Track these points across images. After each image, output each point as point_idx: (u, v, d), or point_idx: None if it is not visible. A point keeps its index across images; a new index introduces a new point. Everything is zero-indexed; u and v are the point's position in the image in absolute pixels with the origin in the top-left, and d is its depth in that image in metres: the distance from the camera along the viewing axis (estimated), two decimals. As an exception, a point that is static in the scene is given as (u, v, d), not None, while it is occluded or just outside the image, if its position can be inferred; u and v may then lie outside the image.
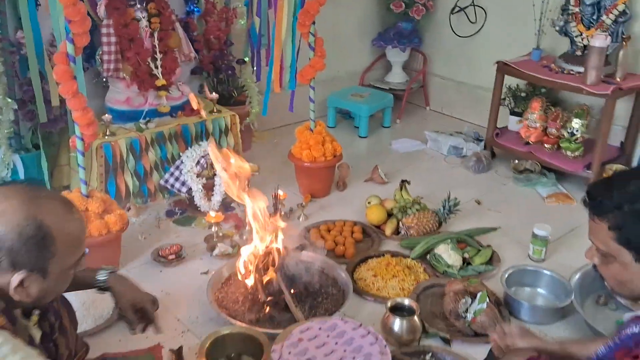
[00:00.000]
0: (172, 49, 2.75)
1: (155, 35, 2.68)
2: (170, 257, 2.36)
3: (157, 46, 2.69)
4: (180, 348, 1.92)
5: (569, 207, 2.92)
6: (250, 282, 2.06)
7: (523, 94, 3.38)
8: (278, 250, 2.09)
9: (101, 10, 2.59)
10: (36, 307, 1.28)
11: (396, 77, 4.12)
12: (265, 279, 2.06)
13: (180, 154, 2.77)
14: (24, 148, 2.65)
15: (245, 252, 2.08)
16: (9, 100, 2.48)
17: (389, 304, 1.99)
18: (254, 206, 2.07)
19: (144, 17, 2.65)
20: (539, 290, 2.24)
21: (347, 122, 3.88)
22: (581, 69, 3.00)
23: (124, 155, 2.61)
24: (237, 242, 2.49)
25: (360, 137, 3.66)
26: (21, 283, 1.15)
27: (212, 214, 2.48)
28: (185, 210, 2.74)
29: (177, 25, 2.81)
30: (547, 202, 2.97)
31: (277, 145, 3.46)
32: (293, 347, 1.78)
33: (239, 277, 2.07)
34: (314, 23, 2.63)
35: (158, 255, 2.37)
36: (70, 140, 2.18)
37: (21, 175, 2.61)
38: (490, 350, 1.92)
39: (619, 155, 3.15)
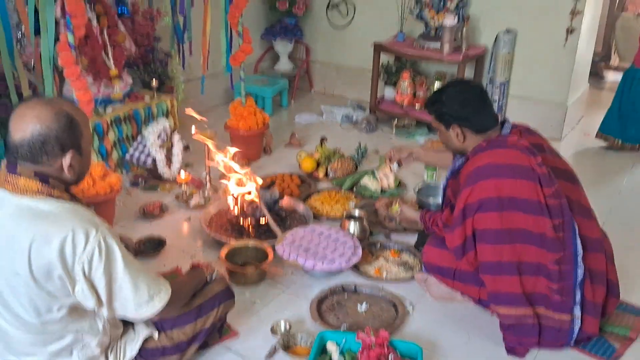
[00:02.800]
0: (119, 43, 3.19)
1: (105, 32, 3.12)
2: (156, 211, 2.85)
3: (107, 41, 3.12)
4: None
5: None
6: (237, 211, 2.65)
7: (394, 69, 4.27)
8: (256, 189, 2.70)
9: (57, 11, 2.96)
10: (73, 185, 1.63)
11: (284, 65, 4.83)
12: (249, 208, 2.66)
13: (132, 134, 3.24)
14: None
15: (232, 191, 2.67)
16: (-18, 95, 2.77)
17: (344, 214, 2.71)
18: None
19: (93, 17, 3.07)
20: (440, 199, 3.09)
21: (252, 105, 4.51)
22: (436, 45, 3.95)
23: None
24: (203, 196, 3.03)
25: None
26: (70, 163, 1.54)
27: (183, 175, 3.00)
28: (146, 180, 3.20)
29: (120, 23, 3.25)
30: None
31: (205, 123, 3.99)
32: (290, 244, 2.43)
33: (231, 206, 2.66)
34: (242, 15, 3.25)
35: (145, 212, 2.84)
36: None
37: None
38: (419, 236, 2.73)
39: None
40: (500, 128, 2.10)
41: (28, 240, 1.44)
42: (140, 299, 1.57)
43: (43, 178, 1.51)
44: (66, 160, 1.53)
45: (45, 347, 1.57)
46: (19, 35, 2.99)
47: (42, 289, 1.47)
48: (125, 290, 1.55)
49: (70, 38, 2.43)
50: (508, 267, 1.91)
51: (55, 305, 1.51)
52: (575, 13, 3.71)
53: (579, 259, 1.93)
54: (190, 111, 3.02)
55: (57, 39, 2.87)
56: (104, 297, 1.53)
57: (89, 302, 1.51)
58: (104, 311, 1.56)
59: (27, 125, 1.48)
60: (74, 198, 1.58)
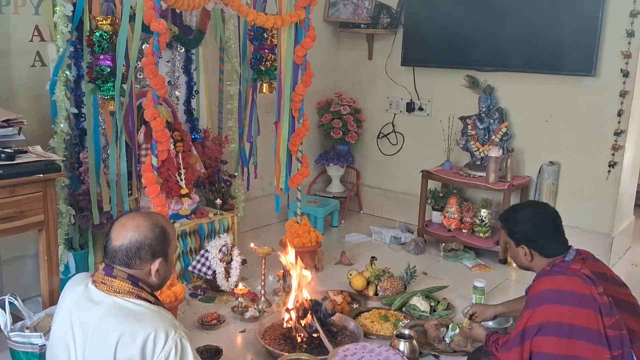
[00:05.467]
0: (192, 165, 3.54)
1: (180, 155, 3.47)
2: (213, 322, 3.00)
3: (181, 164, 3.47)
4: (253, 376, 2.56)
5: (488, 273, 3.94)
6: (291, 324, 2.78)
7: (441, 194, 4.48)
8: (307, 302, 2.84)
9: (140, 137, 3.35)
10: (156, 289, 1.82)
11: (335, 188, 5.12)
12: (303, 322, 2.79)
13: (196, 247, 3.48)
14: (73, 247, 3.21)
15: (288, 305, 2.82)
16: (69, 207, 3.09)
17: (395, 333, 2.80)
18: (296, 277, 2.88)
19: (171, 142, 3.43)
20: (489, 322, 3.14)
21: (304, 224, 4.75)
22: (482, 174, 4.17)
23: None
24: (259, 308, 3.18)
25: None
26: (158, 269, 1.75)
27: (240, 286, 3.18)
28: (204, 292, 3.39)
29: (193, 148, 3.62)
30: (472, 271, 3.97)
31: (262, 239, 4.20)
32: (342, 360, 2.51)
33: (284, 321, 2.78)
34: (301, 143, 3.57)
35: (203, 322, 3.00)
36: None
37: (72, 271, 3.15)
38: (468, 358, 2.77)
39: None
40: (565, 254, 2.21)
41: (117, 336, 1.62)
42: None
43: (134, 281, 1.72)
44: (155, 265, 1.75)
45: None
46: (104, 155, 3.36)
47: None
48: None
49: (154, 161, 2.75)
50: None
51: None
52: (617, 148, 3.90)
53: None
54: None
55: (139, 160, 3.25)
56: None
57: None
58: None
59: (127, 233, 1.72)
60: (157, 301, 1.78)
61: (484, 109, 4.24)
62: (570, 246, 2.25)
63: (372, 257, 3.68)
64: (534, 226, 2.21)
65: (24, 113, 2.83)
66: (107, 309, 1.68)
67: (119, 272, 1.72)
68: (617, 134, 3.90)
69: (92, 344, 1.65)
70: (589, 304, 1.97)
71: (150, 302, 1.74)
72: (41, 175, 2.39)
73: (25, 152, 2.53)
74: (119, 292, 1.70)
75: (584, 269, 2.08)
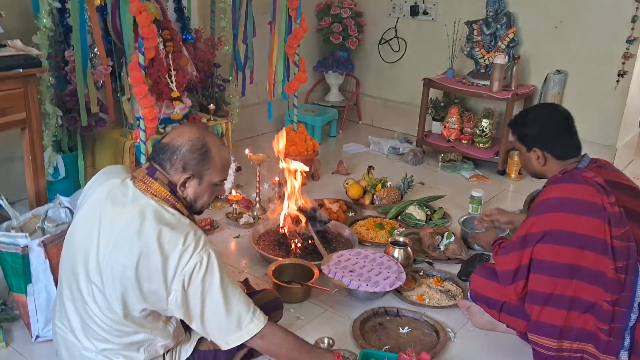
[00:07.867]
0: (182, 67, 3.37)
1: (170, 56, 3.30)
2: (207, 227, 2.97)
3: (171, 65, 3.30)
4: (246, 279, 2.54)
5: (486, 184, 3.88)
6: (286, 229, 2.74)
7: (442, 104, 4.35)
8: (303, 209, 2.79)
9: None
10: (190, 210, 1.76)
11: (334, 96, 4.97)
12: (298, 229, 2.75)
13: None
14: (62, 150, 3.12)
15: (283, 211, 2.77)
16: (56, 108, 2.97)
17: (389, 240, 2.77)
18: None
19: (160, 42, 3.25)
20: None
21: (301, 133, 4.64)
22: (485, 82, 4.02)
23: (149, 153, 3.17)
24: (252, 215, 3.14)
25: (315, 143, 4.43)
26: (184, 183, 1.68)
27: (234, 193, 3.12)
28: (199, 198, 3.34)
29: (184, 48, 3.44)
30: (470, 181, 3.91)
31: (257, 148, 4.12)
32: (336, 265, 2.49)
33: (281, 225, 2.75)
34: (298, 46, 3.39)
35: (196, 226, 2.96)
36: (133, 133, 2.74)
37: (62, 173, 3.07)
38: (462, 266, 2.76)
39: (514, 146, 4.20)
40: (579, 160, 2.07)
41: (144, 240, 1.55)
42: (230, 324, 1.63)
43: (173, 189, 1.65)
44: (182, 178, 1.66)
45: (120, 339, 1.65)
46: (91, 55, 3.20)
47: (138, 288, 1.57)
48: (217, 313, 1.61)
49: (141, 59, 2.60)
50: (559, 300, 1.89)
51: (140, 306, 1.60)
52: (628, 57, 3.73)
53: (636, 303, 1.87)
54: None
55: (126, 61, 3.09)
56: (197, 312, 1.60)
57: (178, 312, 1.60)
58: (195, 327, 1.64)
59: (174, 135, 1.68)
60: (191, 216, 1.71)
61: (491, 13, 4.02)
62: (585, 154, 2.11)
63: (370, 167, 3.60)
64: (544, 126, 2.07)
65: (4, 8, 2.65)
66: (140, 209, 1.59)
67: (160, 175, 1.65)
68: (630, 41, 3.72)
69: (117, 242, 1.57)
70: (598, 213, 1.87)
71: (183, 214, 1.67)
72: (20, 70, 2.26)
73: (4, 45, 2.37)
74: (155, 196, 1.63)
75: (597, 177, 1.94)
